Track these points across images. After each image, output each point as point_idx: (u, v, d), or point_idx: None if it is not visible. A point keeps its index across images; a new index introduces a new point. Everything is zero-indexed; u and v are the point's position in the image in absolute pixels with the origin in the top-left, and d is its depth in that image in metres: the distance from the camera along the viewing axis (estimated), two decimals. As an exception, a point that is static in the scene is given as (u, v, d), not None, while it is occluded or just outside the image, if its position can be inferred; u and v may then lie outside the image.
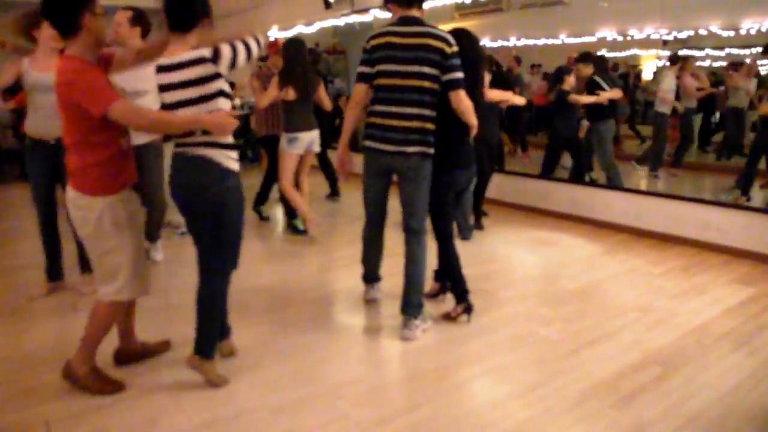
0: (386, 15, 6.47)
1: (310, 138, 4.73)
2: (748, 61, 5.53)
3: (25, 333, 3.13)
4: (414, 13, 2.84)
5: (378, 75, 2.86)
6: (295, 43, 4.61)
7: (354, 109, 2.99)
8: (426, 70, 2.76)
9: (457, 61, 2.78)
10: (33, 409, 2.39)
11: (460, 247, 3.26)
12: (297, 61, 4.52)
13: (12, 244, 4.83)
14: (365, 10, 7.01)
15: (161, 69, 2.32)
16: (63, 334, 3.09)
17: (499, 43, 6.93)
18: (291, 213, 5.16)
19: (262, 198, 5.55)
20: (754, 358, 2.79)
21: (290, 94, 4.49)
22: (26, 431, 2.26)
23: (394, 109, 2.85)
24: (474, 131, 3.03)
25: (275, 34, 9.24)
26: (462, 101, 2.83)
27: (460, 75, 2.79)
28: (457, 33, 2.99)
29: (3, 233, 5.25)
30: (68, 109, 2.24)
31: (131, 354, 2.73)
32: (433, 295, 3.53)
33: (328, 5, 7.62)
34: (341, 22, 7.51)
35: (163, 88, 2.33)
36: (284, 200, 5.08)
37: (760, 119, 4.90)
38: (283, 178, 4.76)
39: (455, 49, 2.78)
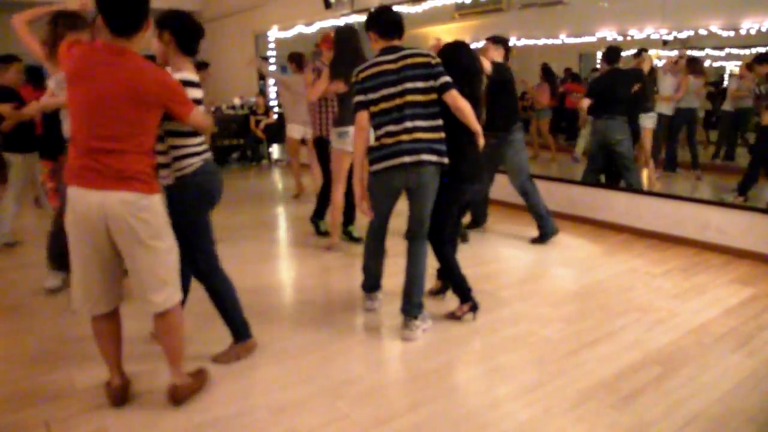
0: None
1: None
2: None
3: (25, 333, 3.13)
4: (395, 43, 3.01)
5: (379, 101, 2.90)
6: (345, 31, 4.30)
7: (362, 136, 2.98)
8: (421, 84, 2.88)
9: (441, 68, 2.91)
10: (33, 409, 2.38)
11: (462, 247, 3.27)
12: (347, 50, 4.18)
13: (11, 243, 4.82)
14: (365, 10, 7.02)
15: (192, 84, 2.46)
16: (63, 334, 3.09)
17: (499, 43, 6.92)
18: (348, 218, 4.82)
19: (320, 210, 5.01)
20: (754, 358, 2.79)
21: (340, 86, 4.20)
22: (26, 431, 2.25)
23: (402, 127, 2.88)
24: (480, 140, 3.08)
25: (275, 34, 9.25)
26: (457, 99, 2.89)
27: (448, 78, 2.90)
28: (457, 47, 3.13)
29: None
30: (149, 110, 2.15)
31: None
32: (436, 293, 3.55)
33: (328, 5, 7.62)
34: (341, 22, 7.52)
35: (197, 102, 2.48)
36: (346, 204, 4.69)
37: (761, 127, 4.90)
38: (336, 179, 4.40)
39: (438, 60, 2.94)
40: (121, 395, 2.39)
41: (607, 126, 5.13)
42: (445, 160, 2.92)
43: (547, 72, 7.11)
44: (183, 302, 2.78)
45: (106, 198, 2.10)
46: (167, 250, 2.25)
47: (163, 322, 2.32)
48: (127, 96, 2.09)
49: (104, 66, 2.10)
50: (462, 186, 3.08)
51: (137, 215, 2.13)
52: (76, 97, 2.13)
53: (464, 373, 2.69)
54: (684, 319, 3.23)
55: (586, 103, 5.15)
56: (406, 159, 2.85)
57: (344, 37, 4.23)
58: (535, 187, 4.73)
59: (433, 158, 2.87)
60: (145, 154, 2.19)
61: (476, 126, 3.01)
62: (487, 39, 4.57)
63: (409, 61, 2.89)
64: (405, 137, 2.86)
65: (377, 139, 2.96)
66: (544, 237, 4.71)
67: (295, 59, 6.27)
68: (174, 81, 2.27)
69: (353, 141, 3.04)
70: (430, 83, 2.88)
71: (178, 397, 2.38)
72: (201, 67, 7.52)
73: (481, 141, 3.10)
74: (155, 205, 2.20)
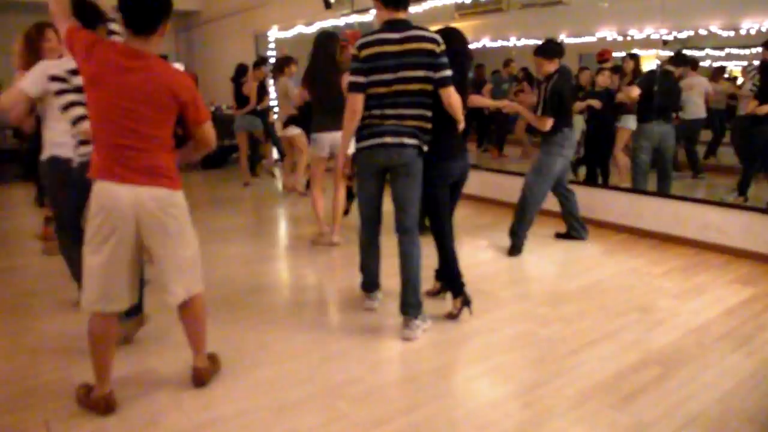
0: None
1: (332, 139, 4.28)
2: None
3: (25, 332, 3.13)
4: (401, 15, 2.89)
5: (373, 84, 2.87)
6: (321, 37, 4.38)
7: (353, 120, 2.95)
8: (421, 74, 2.85)
9: (445, 59, 2.86)
10: (33, 409, 2.39)
11: (462, 247, 3.27)
12: (319, 57, 4.30)
13: (12, 244, 4.83)
14: (365, 10, 7.02)
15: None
16: (63, 333, 3.09)
17: (499, 43, 6.93)
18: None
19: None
20: (754, 358, 2.79)
21: (304, 94, 4.38)
22: (26, 431, 2.26)
23: (392, 112, 2.90)
24: (461, 126, 3.12)
25: (275, 34, 9.24)
26: (452, 96, 2.91)
27: (449, 72, 2.88)
28: (448, 32, 3.10)
29: (3, 233, 5.25)
30: (173, 112, 2.19)
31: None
32: (435, 294, 3.55)
33: (328, 5, 7.62)
34: (341, 22, 7.51)
35: None
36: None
37: (750, 119, 4.88)
38: (313, 184, 4.67)
39: (443, 47, 2.86)
40: (110, 404, 2.34)
41: (667, 131, 5.06)
42: (425, 147, 2.97)
43: (527, 75, 7.08)
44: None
45: (138, 194, 2.16)
46: (190, 242, 2.35)
47: (189, 310, 2.43)
48: (153, 100, 2.13)
49: (130, 72, 2.10)
50: (445, 164, 3.11)
51: (167, 211, 2.22)
52: (100, 99, 2.13)
53: (464, 373, 2.69)
54: (684, 319, 3.23)
55: (635, 92, 4.96)
56: (388, 139, 2.90)
57: (318, 43, 4.31)
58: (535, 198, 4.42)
59: (414, 141, 2.91)
60: (169, 152, 2.25)
61: (461, 118, 3.05)
62: (536, 54, 4.27)
63: (414, 46, 2.81)
64: (393, 121, 2.90)
65: (364, 119, 2.97)
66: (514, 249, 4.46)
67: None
68: (193, 85, 2.28)
69: (344, 121, 2.99)
70: (430, 74, 2.85)
71: (202, 378, 2.51)
72: (258, 64, 7.61)
73: (461, 126, 3.13)
74: (181, 200, 2.30)
